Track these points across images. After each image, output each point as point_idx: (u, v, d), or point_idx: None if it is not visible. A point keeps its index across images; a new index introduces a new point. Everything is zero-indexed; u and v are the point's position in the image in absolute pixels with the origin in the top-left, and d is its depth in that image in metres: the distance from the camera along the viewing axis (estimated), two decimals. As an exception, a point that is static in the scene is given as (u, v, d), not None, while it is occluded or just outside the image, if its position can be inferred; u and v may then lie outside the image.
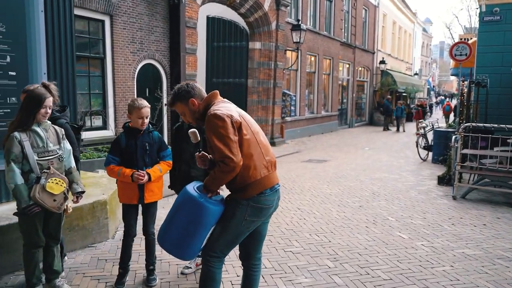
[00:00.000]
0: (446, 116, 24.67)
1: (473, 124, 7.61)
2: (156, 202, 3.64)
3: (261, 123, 13.97)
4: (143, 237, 3.68)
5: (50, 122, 3.19)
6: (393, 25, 30.08)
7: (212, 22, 12.69)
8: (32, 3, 4.50)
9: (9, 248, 3.73)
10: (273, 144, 14.01)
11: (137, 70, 9.45)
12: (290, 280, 3.81)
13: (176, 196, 3.08)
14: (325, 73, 19.51)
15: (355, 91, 23.57)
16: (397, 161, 11.36)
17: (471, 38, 14.13)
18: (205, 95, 2.76)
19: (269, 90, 14.00)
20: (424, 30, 47.25)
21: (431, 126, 12.12)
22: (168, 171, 3.82)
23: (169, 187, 3.90)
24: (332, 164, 10.61)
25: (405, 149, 13.93)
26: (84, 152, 7.73)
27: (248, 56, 13.77)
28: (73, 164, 3.34)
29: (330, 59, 19.72)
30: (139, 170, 3.41)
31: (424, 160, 11.40)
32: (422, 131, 12.22)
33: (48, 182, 2.97)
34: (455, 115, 17.43)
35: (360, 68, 24.06)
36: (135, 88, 9.45)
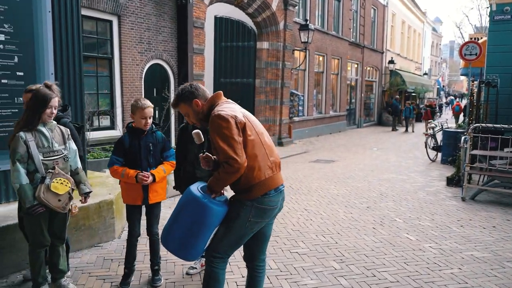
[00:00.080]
0: (456, 117, 24.43)
1: (483, 124, 7.51)
2: (160, 202, 3.63)
3: (269, 123, 13.95)
4: (148, 237, 3.69)
5: (56, 122, 3.20)
6: (402, 24, 29.87)
7: (220, 22, 12.70)
8: (40, 4, 4.53)
9: (16, 247, 3.75)
10: (280, 144, 13.99)
11: (144, 70, 9.48)
12: (295, 282, 3.79)
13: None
14: (333, 73, 19.43)
15: (363, 91, 23.44)
16: (405, 161, 11.27)
17: (481, 38, 13.97)
18: (209, 95, 2.74)
19: (277, 90, 13.97)
20: (433, 29, 46.87)
21: (440, 127, 12.00)
22: (173, 172, 3.82)
23: (174, 187, 3.90)
24: (340, 165, 10.55)
25: (414, 150, 13.81)
26: (91, 152, 7.77)
27: (256, 56, 13.76)
28: (79, 164, 3.35)
29: (338, 59, 19.63)
30: (143, 171, 3.41)
31: (433, 160, 11.30)
32: (431, 131, 12.11)
33: (53, 182, 2.98)
34: (464, 116, 17.26)
35: (368, 68, 23.93)
36: (143, 88, 9.48)
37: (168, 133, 9.88)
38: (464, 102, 29.99)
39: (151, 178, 3.40)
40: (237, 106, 2.68)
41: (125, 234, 4.75)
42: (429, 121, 16.04)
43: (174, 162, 3.65)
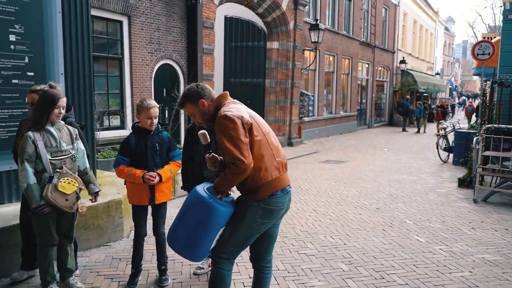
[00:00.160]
0: (468, 117, 24.12)
1: (496, 125, 7.40)
2: (166, 202, 3.64)
3: (279, 123, 13.93)
4: (155, 237, 3.69)
5: (64, 122, 3.22)
6: (414, 24, 29.59)
7: (230, 22, 12.70)
8: (50, 5, 4.57)
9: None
10: (290, 144, 13.95)
11: (154, 70, 9.52)
12: (303, 283, 3.76)
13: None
14: (344, 73, 19.33)
15: (374, 91, 23.27)
16: (416, 162, 11.15)
17: (494, 37, 13.76)
18: (215, 96, 2.72)
19: (286, 90, 13.94)
20: (446, 29, 46.36)
21: (452, 127, 11.85)
22: (181, 172, 3.82)
23: (182, 187, 3.90)
24: (350, 165, 10.48)
25: (425, 151, 13.67)
26: (101, 151, 7.82)
27: (266, 56, 13.74)
28: (87, 164, 3.37)
29: (349, 59, 19.52)
30: (150, 171, 3.41)
31: (445, 161, 11.16)
32: (442, 132, 11.98)
33: (60, 181, 3.00)
34: (477, 116, 17.03)
35: (379, 68, 23.75)
36: (153, 88, 9.52)
37: (178, 133, 9.91)
38: (477, 103, 29.59)
39: (157, 178, 3.40)
40: (243, 106, 2.67)
41: (133, 234, 4.78)
42: (441, 121, 15.87)
43: (180, 162, 3.65)
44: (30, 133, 2.98)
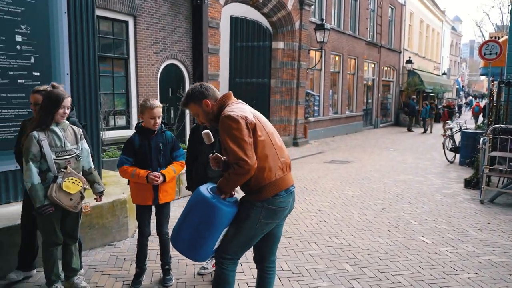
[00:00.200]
0: (475, 117, 23.95)
1: (503, 125, 7.34)
2: (170, 202, 3.64)
3: (284, 123, 13.91)
4: (158, 237, 3.69)
5: (68, 122, 3.24)
6: (421, 23, 29.43)
7: (236, 22, 12.71)
8: (56, 5, 4.60)
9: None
10: (296, 144, 13.93)
11: (160, 70, 9.54)
12: (307, 284, 3.75)
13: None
14: (349, 73, 19.26)
15: (380, 91, 23.17)
16: (422, 163, 11.09)
17: (502, 37, 13.65)
18: (219, 96, 2.72)
19: (292, 90, 13.91)
20: (453, 28, 46.08)
21: (459, 127, 11.78)
22: (185, 173, 3.82)
23: (187, 188, 3.90)
24: (355, 166, 10.44)
25: (432, 151, 13.59)
26: (107, 151, 7.85)
27: (271, 56, 13.73)
28: (92, 164, 3.38)
29: (355, 59, 19.45)
30: (153, 171, 3.41)
31: (451, 162, 11.09)
32: (449, 132, 11.90)
33: (65, 181, 3.01)
34: (484, 116, 16.90)
35: (385, 68, 23.65)
36: (158, 88, 9.54)
37: (183, 133, 9.92)
38: (484, 103, 29.38)
39: (161, 178, 3.40)
40: (247, 107, 2.66)
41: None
42: (447, 121, 15.78)
43: (184, 161, 3.65)
44: (35, 133, 3.00)
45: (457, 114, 31.07)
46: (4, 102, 4.30)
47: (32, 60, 4.46)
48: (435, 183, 8.37)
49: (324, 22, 14.10)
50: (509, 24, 9.52)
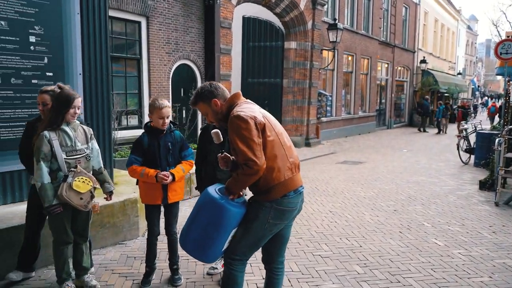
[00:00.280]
0: (491, 118, 23.56)
1: (519, 126, 7.20)
2: (178, 202, 3.65)
3: (296, 124, 13.87)
4: (167, 236, 3.70)
5: (79, 122, 3.27)
6: (435, 23, 29.08)
7: (248, 22, 12.71)
8: (69, 6, 4.65)
9: (43, 243, 3.84)
10: (308, 144, 13.88)
11: (172, 71, 9.59)
12: (317, 285, 3.72)
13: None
14: (362, 73, 19.12)
15: (394, 91, 22.95)
16: (436, 164, 10.94)
17: (519, 36, 13.38)
18: (228, 95, 2.71)
19: (304, 90, 13.86)
20: (468, 27, 45.42)
21: (474, 128, 11.59)
22: (195, 173, 3.82)
23: (196, 188, 3.90)
24: (368, 166, 10.35)
25: (446, 152, 13.40)
26: (119, 150, 7.92)
27: (284, 56, 13.70)
28: (102, 164, 3.41)
29: (368, 59, 19.30)
30: (163, 171, 3.42)
31: (466, 163, 10.92)
32: (463, 133, 11.72)
33: (75, 180, 3.04)
34: (499, 117, 16.62)
35: (399, 68, 23.41)
36: (170, 88, 9.59)
37: (194, 134, 9.94)
38: (500, 103, 28.90)
39: (171, 177, 3.41)
40: (256, 107, 2.65)
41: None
42: (461, 122, 15.55)
43: (193, 161, 3.66)
44: (46, 133, 3.03)
45: (472, 115, 30.59)
46: (18, 102, 4.36)
47: (46, 60, 4.52)
48: (449, 184, 8.25)
49: (337, 21, 14.01)
50: (526, 23, 9.34)
